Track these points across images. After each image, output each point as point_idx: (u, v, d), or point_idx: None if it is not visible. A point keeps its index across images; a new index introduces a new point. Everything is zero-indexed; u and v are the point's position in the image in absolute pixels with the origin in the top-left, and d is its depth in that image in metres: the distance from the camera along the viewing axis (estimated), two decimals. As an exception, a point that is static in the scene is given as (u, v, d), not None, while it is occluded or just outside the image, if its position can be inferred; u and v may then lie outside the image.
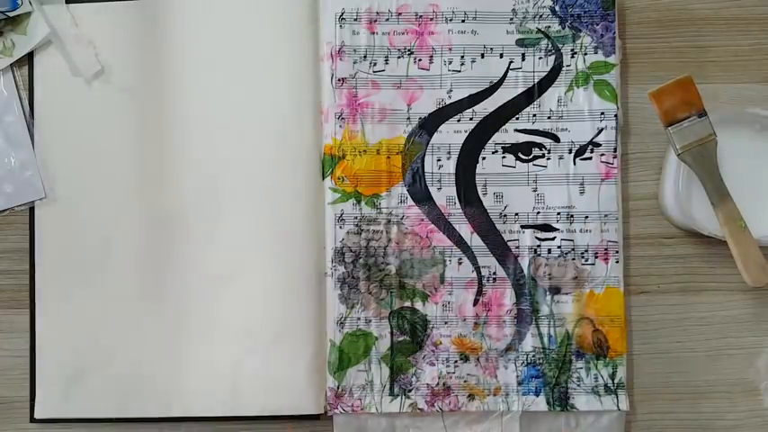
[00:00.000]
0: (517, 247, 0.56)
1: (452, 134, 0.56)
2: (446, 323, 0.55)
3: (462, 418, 0.55)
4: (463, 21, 0.56)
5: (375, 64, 0.56)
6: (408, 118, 0.56)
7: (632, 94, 0.57)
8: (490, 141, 0.56)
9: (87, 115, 0.57)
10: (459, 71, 0.56)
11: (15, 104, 0.57)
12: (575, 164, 0.56)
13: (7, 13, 0.56)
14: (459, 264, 0.56)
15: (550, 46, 0.56)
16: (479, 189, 0.56)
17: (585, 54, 0.56)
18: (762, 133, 0.55)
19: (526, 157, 0.56)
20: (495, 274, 0.56)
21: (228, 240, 0.56)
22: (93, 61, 0.56)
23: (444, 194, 0.56)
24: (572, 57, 0.56)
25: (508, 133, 0.56)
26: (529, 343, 0.55)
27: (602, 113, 0.56)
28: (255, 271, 0.55)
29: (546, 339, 0.55)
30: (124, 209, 0.56)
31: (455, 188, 0.56)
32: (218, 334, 0.55)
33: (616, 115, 0.56)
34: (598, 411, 0.55)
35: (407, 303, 0.55)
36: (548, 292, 0.55)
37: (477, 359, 0.55)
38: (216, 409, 0.55)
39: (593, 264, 0.55)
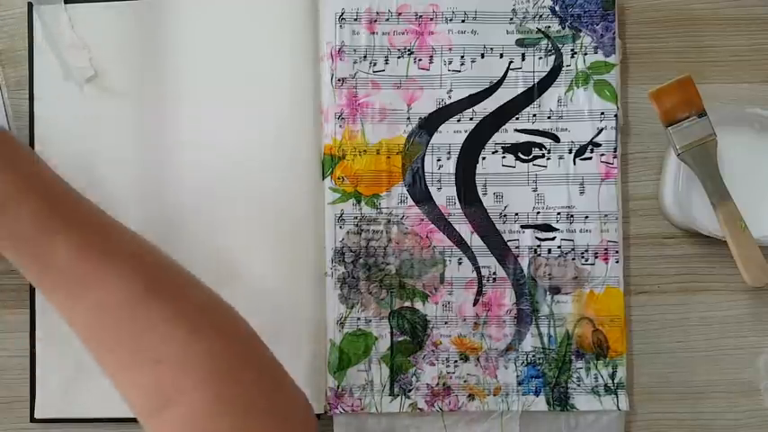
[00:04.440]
0: (517, 247, 0.56)
1: (452, 134, 0.56)
2: (446, 323, 0.55)
3: (462, 417, 0.55)
4: (463, 21, 0.56)
5: (375, 64, 0.56)
6: (408, 118, 0.56)
7: (632, 94, 0.57)
8: (490, 141, 0.56)
9: (87, 116, 0.57)
10: (460, 71, 0.56)
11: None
12: (575, 164, 0.56)
13: None
14: (459, 264, 0.56)
15: (550, 46, 0.56)
16: (479, 189, 0.56)
17: (585, 54, 0.56)
18: (762, 133, 0.55)
19: (526, 157, 0.56)
20: (495, 274, 0.56)
21: (228, 241, 0.56)
22: (86, 66, 0.56)
23: (444, 194, 0.56)
24: (572, 57, 0.56)
25: (508, 133, 0.56)
26: (529, 343, 0.55)
27: (602, 113, 0.56)
28: (255, 271, 0.55)
29: (546, 339, 0.55)
30: (123, 209, 0.55)
31: (455, 188, 0.56)
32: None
33: (616, 115, 0.56)
34: (598, 411, 0.55)
35: (407, 303, 0.55)
36: (548, 292, 0.55)
37: (477, 359, 0.55)
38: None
39: (593, 264, 0.55)
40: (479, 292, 0.55)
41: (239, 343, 0.41)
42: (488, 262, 0.56)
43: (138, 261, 0.41)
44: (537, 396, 0.55)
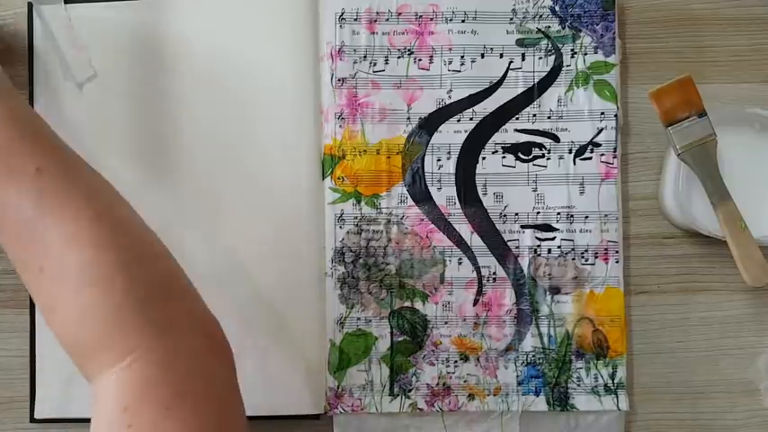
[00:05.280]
0: (517, 247, 0.56)
1: (452, 134, 0.56)
2: (446, 323, 0.55)
3: (462, 417, 0.55)
4: (463, 21, 0.56)
5: (375, 64, 0.56)
6: (408, 118, 0.56)
7: (632, 94, 0.57)
8: (490, 141, 0.56)
9: (87, 116, 0.57)
10: (459, 71, 0.56)
11: None
12: (575, 164, 0.56)
13: None
14: (459, 264, 0.56)
15: (550, 46, 0.56)
16: (479, 189, 0.56)
17: (585, 54, 0.56)
18: (762, 133, 0.55)
19: (526, 157, 0.56)
20: (495, 274, 0.56)
21: (228, 241, 0.56)
22: (86, 65, 0.56)
23: (444, 194, 0.56)
24: (572, 57, 0.56)
25: (508, 133, 0.56)
26: (529, 343, 0.55)
27: (602, 113, 0.56)
28: (255, 271, 0.55)
29: (546, 339, 0.55)
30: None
31: (455, 188, 0.56)
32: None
33: (616, 115, 0.56)
34: (598, 411, 0.55)
35: (407, 303, 0.55)
36: (548, 292, 0.55)
37: (477, 359, 0.55)
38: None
39: (594, 264, 0.55)
40: (479, 292, 0.55)
41: (121, 251, 0.41)
42: (488, 262, 0.56)
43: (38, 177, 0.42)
44: (537, 396, 0.55)
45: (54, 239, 0.40)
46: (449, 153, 0.56)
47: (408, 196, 0.56)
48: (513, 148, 0.56)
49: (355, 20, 0.56)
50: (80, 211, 0.41)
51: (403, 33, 0.56)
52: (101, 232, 0.41)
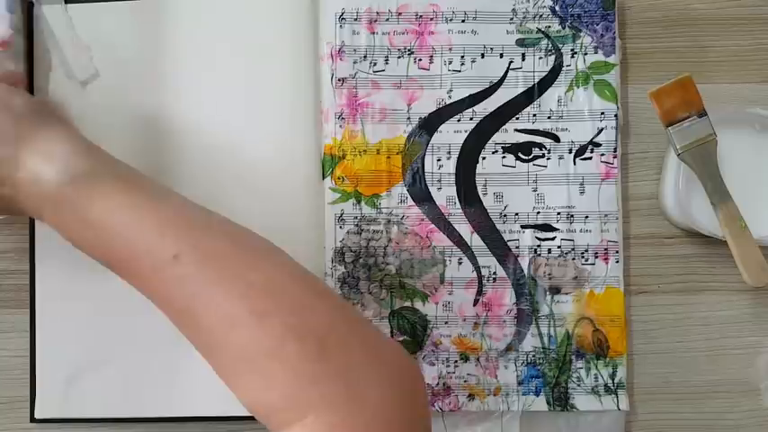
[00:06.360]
0: (517, 247, 0.56)
1: (452, 134, 0.56)
2: (446, 323, 0.55)
3: (462, 417, 0.55)
4: (463, 21, 0.56)
5: (375, 64, 0.56)
6: (408, 118, 0.56)
7: (632, 94, 0.57)
8: (490, 141, 0.56)
9: (87, 116, 0.57)
10: (460, 71, 0.56)
11: None
12: (575, 164, 0.56)
13: None
14: (459, 264, 0.56)
15: (550, 46, 0.56)
16: (479, 189, 0.56)
17: (585, 54, 0.56)
18: (762, 133, 0.55)
19: (526, 157, 0.56)
20: (495, 274, 0.56)
21: (228, 240, 0.56)
22: (88, 65, 0.56)
23: (444, 194, 0.56)
24: (572, 57, 0.56)
25: (508, 133, 0.56)
26: (529, 343, 0.55)
27: (603, 113, 0.56)
28: (255, 271, 0.55)
29: (546, 339, 0.55)
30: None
31: (455, 188, 0.56)
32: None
33: (616, 115, 0.56)
34: (598, 411, 0.55)
35: (407, 303, 0.55)
36: (548, 292, 0.55)
37: (477, 359, 0.55)
38: (216, 409, 0.55)
39: (594, 264, 0.55)
40: (479, 292, 0.55)
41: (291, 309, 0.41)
42: (488, 262, 0.56)
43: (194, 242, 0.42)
44: (537, 396, 0.55)
45: (214, 322, 0.40)
46: (449, 153, 0.56)
47: (408, 196, 0.56)
48: (513, 148, 0.56)
49: (355, 20, 0.56)
50: (231, 288, 0.40)
51: (403, 33, 0.56)
52: (257, 302, 0.40)
